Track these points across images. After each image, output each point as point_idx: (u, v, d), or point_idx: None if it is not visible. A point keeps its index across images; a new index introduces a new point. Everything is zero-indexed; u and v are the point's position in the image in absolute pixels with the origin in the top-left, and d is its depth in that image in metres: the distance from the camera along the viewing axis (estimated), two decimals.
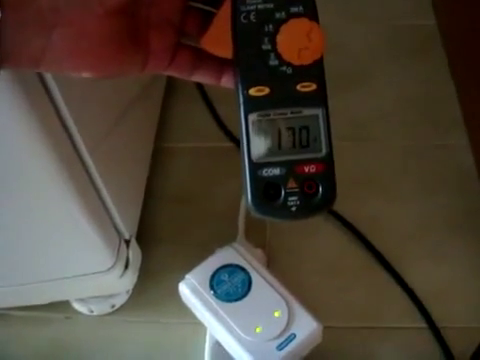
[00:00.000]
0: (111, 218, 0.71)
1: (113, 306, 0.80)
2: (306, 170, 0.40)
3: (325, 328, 0.66)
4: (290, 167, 0.40)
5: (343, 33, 1.09)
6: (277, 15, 0.39)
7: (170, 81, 1.03)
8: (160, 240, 0.87)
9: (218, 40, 0.40)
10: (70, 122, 0.58)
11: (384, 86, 1.03)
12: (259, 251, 0.77)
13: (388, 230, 0.86)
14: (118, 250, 0.72)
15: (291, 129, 0.41)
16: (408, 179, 0.91)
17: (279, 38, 0.39)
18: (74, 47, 0.36)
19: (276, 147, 0.40)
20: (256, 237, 0.83)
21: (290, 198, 0.40)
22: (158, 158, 0.95)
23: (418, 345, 0.76)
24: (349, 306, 0.79)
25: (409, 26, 1.12)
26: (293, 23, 0.39)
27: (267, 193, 0.40)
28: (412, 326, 0.77)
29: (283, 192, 0.40)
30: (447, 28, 1.09)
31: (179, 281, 0.69)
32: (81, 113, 0.59)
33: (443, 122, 0.98)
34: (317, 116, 0.41)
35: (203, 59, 0.42)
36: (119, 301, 0.80)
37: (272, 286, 0.66)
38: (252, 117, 0.40)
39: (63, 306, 0.80)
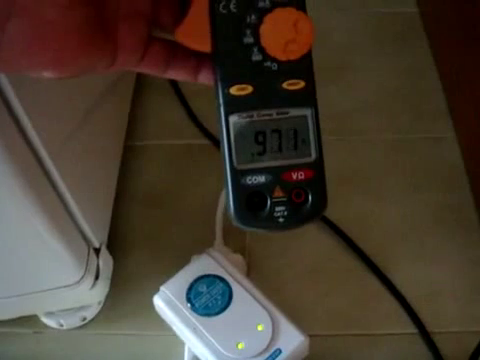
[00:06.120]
0: (78, 227, 0.65)
1: (84, 319, 0.76)
2: (294, 177, 0.37)
3: (309, 336, 0.63)
4: (276, 174, 0.37)
5: (323, 22, 1.06)
6: (260, 4, 0.35)
7: (140, 75, 0.98)
8: (133, 246, 0.82)
9: (194, 32, 0.36)
10: (27, 124, 0.52)
11: (366, 77, 1.00)
12: (239, 257, 0.73)
13: (374, 230, 0.82)
14: (87, 261, 0.67)
15: (277, 132, 0.37)
16: (393, 174, 0.88)
17: (263, 30, 0.35)
18: (34, 41, 0.32)
19: (260, 152, 0.37)
20: (235, 240, 0.79)
21: (277, 208, 0.37)
22: (129, 157, 0.90)
23: (408, 352, 0.73)
24: (335, 312, 0.76)
25: (390, 14, 1.09)
26: (278, 13, 0.35)
27: (251, 203, 0.37)
28: (401, 332, 0.74)
29: (269, 201, 0.37)
30: (430, 15, 1.06)
31: (155, 289, 0.65)
32: (40, 114, 0.54)
33: (428, 114, 0.95)
34: (305, 117, 0.37)
35: (178, 53, 0.38)
36: (90, 313, 0.76)
37: (254, 297, 0.63)
38: (233, 119, 0.37)
39: (31, 320, 0.76)
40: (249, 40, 0.36)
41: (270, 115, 0.37)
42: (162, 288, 0.64)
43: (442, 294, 0.76)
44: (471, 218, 0.83)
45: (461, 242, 0.80)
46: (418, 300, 0.75)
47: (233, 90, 0.36)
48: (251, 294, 0.63)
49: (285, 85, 0.37)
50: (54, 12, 0.31)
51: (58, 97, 0.60)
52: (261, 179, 0.37)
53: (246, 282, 0.64)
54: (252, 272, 0.77)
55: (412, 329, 0.74)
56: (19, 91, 0.50)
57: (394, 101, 0.97)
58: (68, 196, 0.62)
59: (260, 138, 0.37)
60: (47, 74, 0.34)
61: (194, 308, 0.62)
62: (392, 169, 0.89)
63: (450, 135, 0.92)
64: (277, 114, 0.37)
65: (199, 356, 0.63)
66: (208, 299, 0.62)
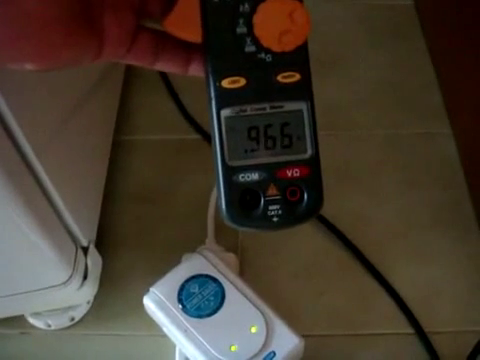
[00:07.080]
0: (65, 225, 0.63)
1: (72, 319, 0.74)
2: (289, 174, 0.36)
3: (304, 336, 0.61)
4: (270, 171, 0.36)
5: (315, 14, 1.03)
6: None
7: (129, 68, 0.96)
8: (122, 244, 0.80)
9: (185, 22, 0.35)
10: (11, 120, 0.50)
11: (360, 71, 0.98)
12: (231, 256, 0.71)
13: (370, 227, 0.81)
14: (75, 260, 0.66)
15: (271, 127, 0.36)
16: (389, 171, 0.87)
17: (256, 19, 0.34)
18: (14, 31, 0.30)
19: (254, 148, 0.36)
20: (227, 238, 0.77)
21: (271, 207, 0.36)
22: (118, 153, 0.88)
23: (405, 352, 0.71)
24: (330, 312, 0.74)
25: (385, 6, 1.07)
26: (273, 2, 0.34)
27: (244, 201, 0.36)
28: (398, 332, 0.73)
29: (263, 200, 0.36)
30: (426, 8, 1.04)
31: (145, 289, 0.64)
32: (24, 109, 0.52)
33: (423, 109, 0.93)
34: (301, 111, 0.36)
35: (167, 44, 0.36)
36: (79, 313, 0.74)
37: (247, 298, 0.61)
38: (225, 113, 0.35)
39: (17, 321, 0.74)
40: (242, 30, 0.34)
41: (264, 109, 0.36)
42: (152, 289, 0.62)
43: (439, 293, 0.75)
44: (468, 215, 0.81)
45: (458, 240, 0.79)
46: (415, 299, 0.74)
47: (225, 83, 0.35)
48: (244, 295, 0.61)
49: (279, 78, 0.35)
50: (34, 1, 0.30)
51: (43, 91, 0.58)
52: (254, 176, 0.36)
53: (239, 282, 0.62)
54: (245, 271, 0.76)
55: (409, 329, 0.72)
56: (2, 85, 0.48)
57: (389, 96, 0.95)
58: (54, 194, 0.60)
59: (253, 133, 0.36)
60: (29, 66, 0.32)
61: (185, 309, 0.60)
62: (387, 165, 0.87)
63: (446, 131, 0.91)
64: (271, 108, 0.36)
65: (190, 358, 0.61)
66: (200, 300, 0.60)
